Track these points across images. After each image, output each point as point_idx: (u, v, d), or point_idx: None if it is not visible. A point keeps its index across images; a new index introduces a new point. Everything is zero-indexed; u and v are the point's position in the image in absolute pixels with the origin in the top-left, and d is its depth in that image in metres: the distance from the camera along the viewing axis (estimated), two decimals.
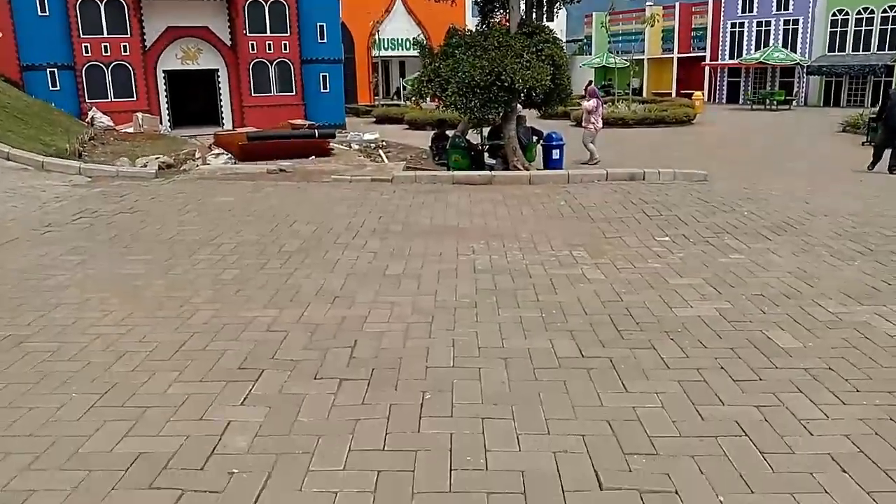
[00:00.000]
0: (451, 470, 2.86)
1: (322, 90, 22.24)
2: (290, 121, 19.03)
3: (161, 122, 25.83)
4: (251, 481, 2.78)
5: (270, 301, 4.89)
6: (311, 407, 3.39)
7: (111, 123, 20.98)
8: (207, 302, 4.84)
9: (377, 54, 35.22)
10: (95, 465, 2.88)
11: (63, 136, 12.90)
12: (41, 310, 4.68)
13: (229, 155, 12.37)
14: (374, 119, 26.25)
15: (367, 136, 18.07)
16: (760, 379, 3.67)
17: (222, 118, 22.48)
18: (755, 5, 36.71)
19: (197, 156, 12.59)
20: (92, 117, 20.97)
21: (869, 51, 33.36)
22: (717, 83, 39.40)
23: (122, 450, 3.00)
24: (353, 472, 2.85)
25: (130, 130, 22.00)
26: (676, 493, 2.70)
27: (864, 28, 33.59)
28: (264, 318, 4.56)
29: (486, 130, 12.22)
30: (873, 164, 11.87)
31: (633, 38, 40.44)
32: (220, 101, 22.70)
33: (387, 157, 13.76)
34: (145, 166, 10.19)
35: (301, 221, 7.33)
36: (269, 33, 21.17)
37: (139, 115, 25.07)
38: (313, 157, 12.96)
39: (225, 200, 8.33)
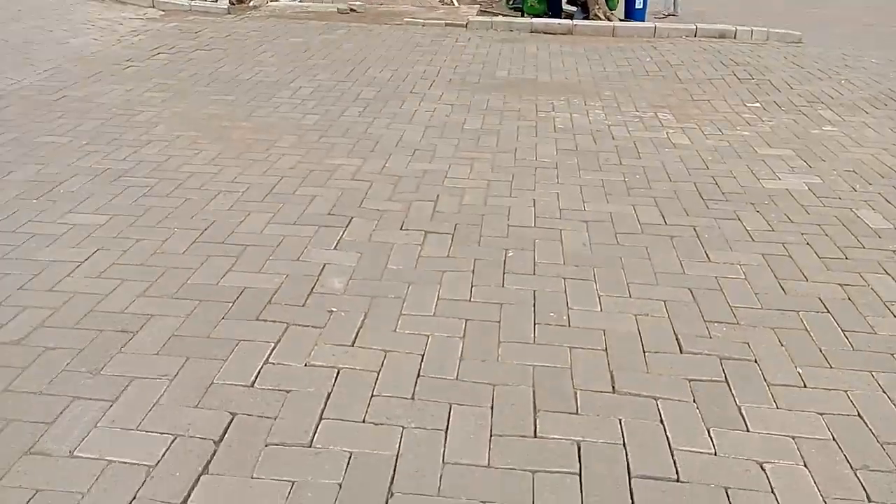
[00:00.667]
0: (534, 324, 3.00)
1: None
2: None
3: None
4: (349, 320, 2.98)
5: (353, 150, 4.95)
6: (399, 255, 3.53)
7: None
8: (292, 147, 4.94)
9: None
10: (204, 296, 3.12)
11: None
12: (134, 145, 4.86)
13: None
14: None
15: None
16: (846, 258, 3.64)
17: None
18: None
19: None
20: None
21: None
22: None
23: (228, 283, 3.23)
24: (442, 318, 3.02)
25: None
26: (755, 361, 2.79)
27: None
28: (348, 166, 4.65)
29: None
30: None
31: None
32: None
33: (456, 1, 13.14)
34: (216, 1, 10.01)
35: (375, 67, 7.21)
36: None
37: None
38: None
39: (298, 41, 8.21)
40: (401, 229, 3.82)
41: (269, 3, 10.77)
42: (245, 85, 6.39)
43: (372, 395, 2.54)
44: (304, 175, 4.47)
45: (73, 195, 4.07)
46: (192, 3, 9.66)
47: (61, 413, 2.40)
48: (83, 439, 2.29)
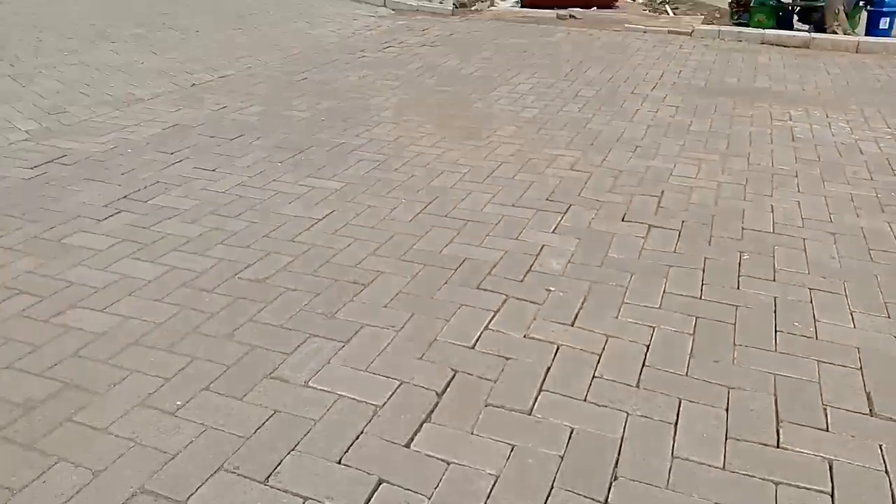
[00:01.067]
0: (775, 331, 2.72)
1: None
2: None
3: None
4: (568, 300, 2.89)
5: (571, 142, 4.87)
6: (620, 245, 3.39)
7: None
8: (511, 136, 4.96)
9: None
10: (428, 261, 3.18)
11: None
12: (366, 125, 5.14)
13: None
14: None
15: None
16: None
17: None
18: None
19: None
20: None
21: None
22: None
23: (450, 253, 3.27)
24: (669, 312, 2.83)
25: None
26: None
27: None
28: (567, 157, 4.57)
29: None
30: None
31: None
32: None
33: (673, 12, 12.63)
34: (442, 2, 10.45)
35: (595, 69, 7.09)
36: None
37: None
38: (595, 7, 12.30)
39: (518, 42, 8.30)
40: (622, 220, 3.67)
41: (491, 7, 11.04)
42: (467, 79, 6.56)
43: (594, 376, 2.43)
44: (523, 162, 4.46)
45: (312, 162, 4.38)
46: (420, 3, 10.15)
47: (298, 347, 2.55)
48: (317, 372, 2.41)
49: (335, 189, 3.98)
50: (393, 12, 9.84)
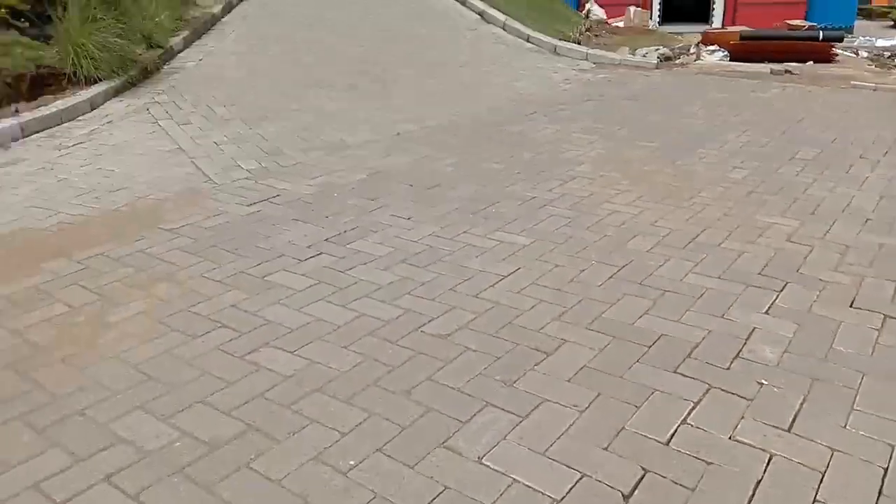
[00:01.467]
0: None
1: None
2: (787, 21, 16.92)
3: (650, 17, 25.76)
4: (784, 399, 2.50)
5: (787, 210, 4.38)
6: (848, 337, 2.92)
7: (604, 16, 21.58)
8: (718, 199, 4.57)
9: None
10: (618, 334, 2.94)
11: (565, 24, 13.69)
12: (560, 179, 5.01)
13: (725, 52, 11.57)
14: (894, 23, 21.83)
15: (882, 43, 14.98)
16: None
17: (712, 16, 21.28)
18: None
19: (691, 51, 12.10)
20: (588, 9, 21.87)
21: None
22: None
23: (643, 326, 3.01)
24: None
25: (621, 24, 22.41)
26: None
27: None
28: (783, 226, 4.10)
29: None
30: None
31: None
32: None
33: None
34: (645, 56, 10.16)
35: (815, 128, 6.43)
36: None
37: (631, 8, 25.32)
38: (811, 62, 11.28)
39: (726, 97, 7.80)
40: (850, 306, 3.17)
41: (697, 61, 10.55)
42: (670, 134, 6.22)
43: (815, 500, 2.04)
44: (731, 229, 4.06)
45: (502, 215, 4.31)
46: (623, 57, 9.94)
47: (474, 416, 2.42)
48: (492, 448, 2.26)
49: (523, 245, 3.87)
50: (594, 65, 9.72)
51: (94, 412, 2.46)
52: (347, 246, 3.89)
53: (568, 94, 7.95)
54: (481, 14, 11.00)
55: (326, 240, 3.98)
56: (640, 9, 26.78)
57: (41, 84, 6.88)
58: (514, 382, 2.60)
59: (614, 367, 2.70)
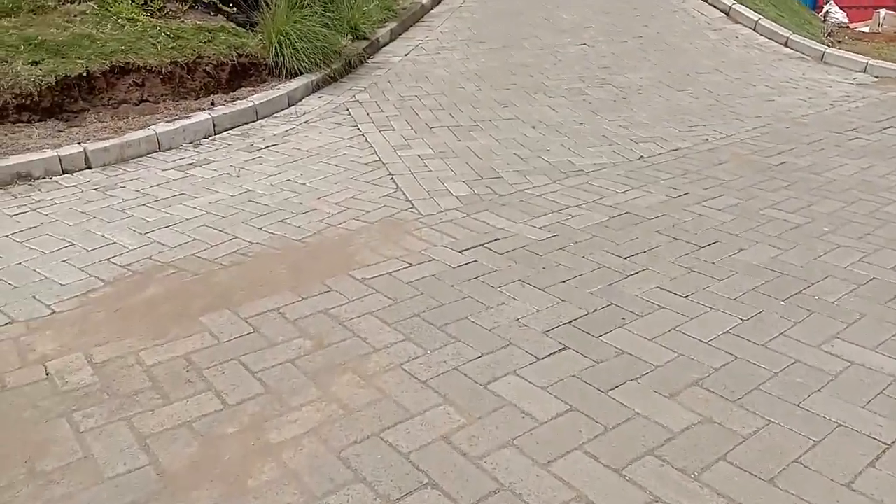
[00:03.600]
0: None
1: None
2: None
3: None
4: None
5: None
6: None
7: (845, 19, 18.62)
8: None
9: None
10: None
11: (807, 27, 11.51)
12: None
13: None
14: None
15: None
16: None
17: None
18: None
19: None
20: (826, 11, 19.04)
21: None
22: None
23: None
24: None
25: (865, 30, 19.30)
26: None
27: None
28: None
29: None
30: None
31: None
32: None
33: None
34: None
35: None
36: None
37: (882, 11, 21.75)
38: None
39: None
40: None
41: None
42: None
43: None
44: None
45: (833, 309, 2.88)
46: None
47: None
48: None
49: (888, 373, 2.43)
50: (876, 79, 7.71)
51: None
52: (601, 338, 2.67)
53: (855, 116, 6.14)
54: (726, 12, 9.27)
55: (569, 323, 2.78)
56: (891, 13, 23.09)
57: (242, 73, 6.33)
58: None
59: None
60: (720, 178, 4.48)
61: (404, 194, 4.22)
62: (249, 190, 4.29)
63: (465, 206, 4.02)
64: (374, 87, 6.75)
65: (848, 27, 18.07)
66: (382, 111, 6.01)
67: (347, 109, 6.08)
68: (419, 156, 4.92)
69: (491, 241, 3.52)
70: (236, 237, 3.60)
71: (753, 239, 3.57)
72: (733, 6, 9.30)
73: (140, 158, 4.85)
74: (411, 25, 9.03)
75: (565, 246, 3.48)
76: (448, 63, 7.57)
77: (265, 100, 5.92)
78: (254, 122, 5.74)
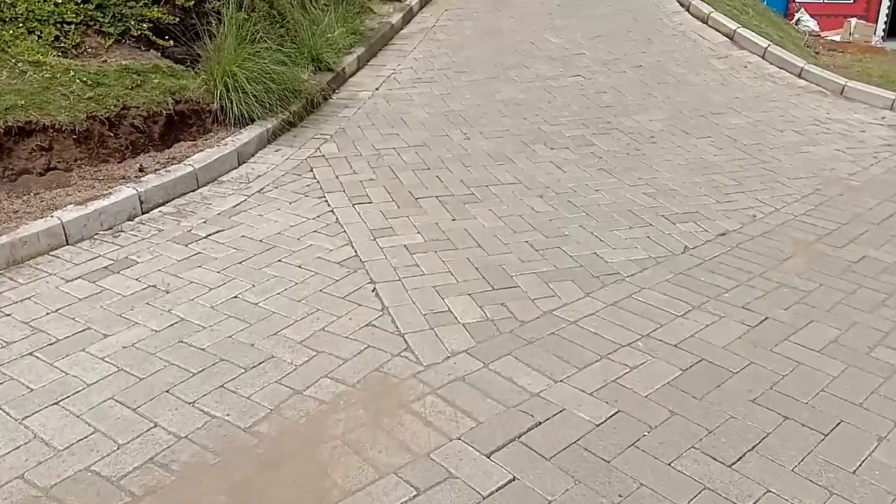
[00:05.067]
0: None
1: None
2: None
3: (874, 33, 21.82)
4: None
5: None
6: None
7: (815, 27, 18.14)
8: None
9: None
10: None
11: (789, 39, 10.77)
12: None
13: None
14: None
15: None
16: None
17: None
18: None
19: None
20: (798, 19, 18.61)
21: None
22: None
23: None
24: None
25: (836, 38, 18.91)
26: None
27: None
28: None
29: None
30: None
31: None
32: None
33: None
34: None
35: None
36: None
37: (853, 20, 21.40)
38: None
39: None
40: None
41: None
42: None
43: None
44: None
45: None
46: None
47: None
48: None
49: None
50: None
51: None
52: None
53: None
54: (730, 36, 8.38)
55: None
56: (862, 21, 22.76)
57: (180, 124, 5.15)
58: None
59: None
60: (796, 288, 3.51)
61: (393, 321, 3.14)
62: (182, 319, 3.15)
63: (479, 345, 2.97)
64: (342, 134, 5.65)
65: (819, 36, 17.51)
66: (354, 172, 4.92)
67: (311, 169, 4.97)
68: (406, 247, 3.85)
69: (529, 430, 2.47)
70: (156, 425, 2.47)
71: (885, 414, 2.60)
72: (737, 30, 8.40)
73: (39, 260, 3.66)
74: (381, 49, 7.92)
75: (637, 440, 2.44)
76: (427, 100, 6.49)
77: (208, 161, 4.76)
78: (194, 191, 4.59)
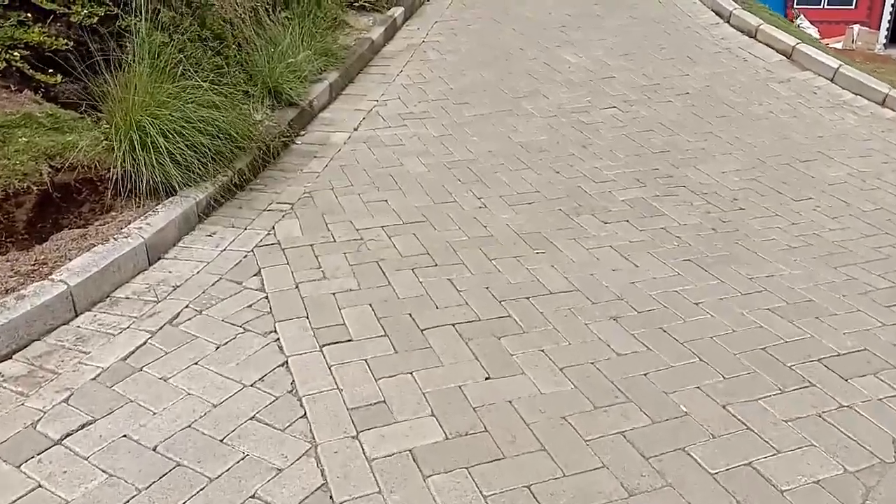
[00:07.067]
0: None
1: None
2: None
3: (878, 40, 20.70)
4: None
5: None
6: None
7: (817, 35, 16.97)
8: None
9: None
10: None
11: None
12: None
13: None
14: None
15: None
16: None
17: None
18: None
19: None
20: (798, 26, 17.42)
21: None
22: None
23: None
24: None
25: (839, 46, 17.76)
26: None
27: None
28: None
29: None
30: None
31: None
32: None
33: None
34: None
35: None
36: None
37: (856, 27, 20.27)
38: None
39: None
40: None
41: None
42: None
43: None
44: None
45: None
46: None
47: None
48: None
49: None
50: None
51: None
52: None
53: None
54: (788, 54, 6.83)
55: None
56: (865, 28, 21.54)
57: (62, 203, 3.44)
58: None
59: None
60: None
61: None
62: None
63: None
64: (307, 202, 3.99)
65: (820, 42, 16.22)
66: (325, 275, 3.26)
67: (259, 271, 3.29)
68: (417, 462, 2.19)
69: None
70: None
71: None
72: (797, 46, 6.85)
73: None
74: (359, 73, 6.26)
75: None
76: (422, 145, 4.83)
77: (93, 269, 3.03)
78: (67, 323, 2.88)
